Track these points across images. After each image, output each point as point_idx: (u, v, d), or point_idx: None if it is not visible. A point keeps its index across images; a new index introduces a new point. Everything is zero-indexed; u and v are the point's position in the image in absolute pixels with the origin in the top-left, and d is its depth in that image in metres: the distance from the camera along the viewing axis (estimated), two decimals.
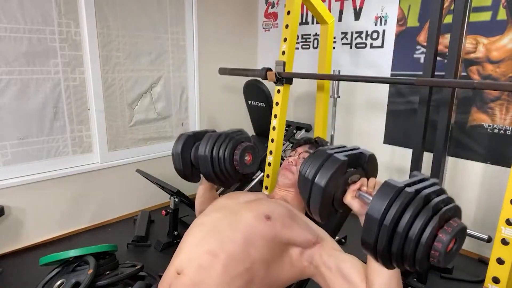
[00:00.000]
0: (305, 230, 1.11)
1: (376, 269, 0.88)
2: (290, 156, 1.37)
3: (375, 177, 1.05)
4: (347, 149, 1.03)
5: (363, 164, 1.02)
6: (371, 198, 0.88)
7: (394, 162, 2.71)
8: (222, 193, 2.42)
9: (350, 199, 0.95)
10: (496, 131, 2.18)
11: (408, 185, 0.81)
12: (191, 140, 1.42)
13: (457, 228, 0.76)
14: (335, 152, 0.98)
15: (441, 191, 0.81)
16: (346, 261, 1.05)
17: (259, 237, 1.04)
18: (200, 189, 1.48)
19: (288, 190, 1.30)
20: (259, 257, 1.02)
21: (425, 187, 0.80)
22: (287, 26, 1.85)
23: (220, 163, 1.31)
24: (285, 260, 1.07)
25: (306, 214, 1.21)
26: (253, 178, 2.97)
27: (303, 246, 1.08)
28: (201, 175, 1.40)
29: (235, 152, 1.33)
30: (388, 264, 0.81)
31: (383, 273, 0.88)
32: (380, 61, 2.67)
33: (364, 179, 0.97)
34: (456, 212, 0.80)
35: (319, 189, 0.94)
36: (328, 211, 0.98)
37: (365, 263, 0.99)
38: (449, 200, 0.80)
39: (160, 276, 1.10)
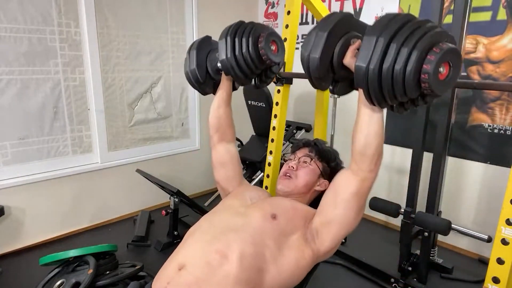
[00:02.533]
0: (303, 211, 1.16)
1: (366, 117, 0.95)
2: (290, 160, 1.35)
3: None
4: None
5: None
6: None
7: (394, 162, 2.71)
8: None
9: (349, 58, 0.95)
10: (496, 131, 2.18)
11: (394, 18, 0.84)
12: (208, 44, 1.33)
13: (446, 48, 0.78)
14: (350, 15, 1.00)
15: (435, 25, 0.83)
16: (325, 197, 1.11)
17: (268, 236, 1.06)
18: (214, 102, 1.36)
19: (289, 196, 1.28)
20: (269, 255, 1.03)
21: (414, 19, 0.84)
22: (287, 26, 1.85)
23: (243, 47, 1.19)
24: (293, 249, 1.07)
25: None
26: (253, 178, 2.97)
27: (304, 226, 1.10)
28: (221, 81, 1.32)
29: (260, 36, 1.22)
30: (378, 94, 0.84)
31: (373, 120, 0.94)
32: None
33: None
34: (450, 38, 0.83)
35: (321, 36, 0.93)
36: (326, 70, 0.97)
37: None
38: (441, 29, 0.82)
39: None
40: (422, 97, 0.87)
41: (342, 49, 0.96)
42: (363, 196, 1.03)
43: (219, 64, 1.28)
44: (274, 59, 1.24)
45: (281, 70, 1.86)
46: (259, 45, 1.21)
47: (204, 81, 1.31)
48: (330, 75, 0.99)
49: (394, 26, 0.81)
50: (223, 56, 1.21)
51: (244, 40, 1.19)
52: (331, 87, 1.04)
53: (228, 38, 1.20)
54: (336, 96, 2.51)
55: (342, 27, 0.95)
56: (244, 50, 1.19)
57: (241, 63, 1.21)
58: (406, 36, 0.80)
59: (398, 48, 0.79)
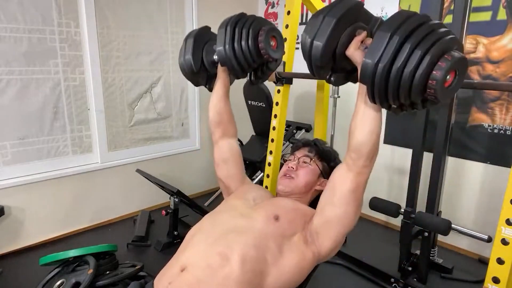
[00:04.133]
0: (304, 212, 1.16)
1: (365, 114, 0.94)
2: (289, 160, 1.34)
3: None
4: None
5: (372, 28, 0.98)
6: None
7: (394, 162, 2.71)
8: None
9: (352, 49, 0.92)
10: (496, 131, 2.18)
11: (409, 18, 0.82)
12: (205, 35, 1.29)
13: (458, 57, 0.76)
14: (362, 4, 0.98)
15: (448, 31, 0.81)
16: (322, 197, 1.11)
17: (270, 239, 1.05)
18: (213, 97, 1.34)
19: (290, 196, 1.28)
20: (271, 258, 1.03)
21: (431, 20, 0.82)
22: (287, 26, 1.85)
23: (242, 39, 1.16)
24: (293, 250, 1.07)
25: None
26: (253, 178, 2.97)
27: (304, 227, 1.10)
28: (218, 74, 1.30)
29: (261, 30, 1.19)
30: (383, 93, 0.82)
31: (371, 118, 0.94)
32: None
33: (367, 35, 0.95)
34: (460, 46, 0.81)
35: (329, 22, 0.89)
36: (328, 59, 0.93)
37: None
38: (449, 32, 0.80)
39: None
40: (423, 101, 0.86)
41: (347, 39, 0.92)
42: (360, 191, 1.03)
43: (215, 57, 1.25)
44: (272, 54, 1.22)
45: (281, 70, 1.86)
46: (258, 39, 1.19)
47: (198, 71, 1.28)
48: (330, 64, 0.96)
49: (410, 26, 0.79)
50: (220, 46, 1.18)
51: (244, 31, 1.17)
52: (327, 77, 1.02)
53: (228, 28, 1.17)
54: (336, 96, 2.52)
55: (352, 16, 0.92)
56: (243, 41, 1.17)
57: (238, 55, 1.18)
58: (421, 38, 0.77)
59: (411, 49, 0.77)
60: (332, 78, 1.01)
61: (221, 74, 1.32)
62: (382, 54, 0.79)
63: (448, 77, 0.78)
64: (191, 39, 1.26)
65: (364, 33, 0.93)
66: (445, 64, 0.76)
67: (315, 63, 0.93)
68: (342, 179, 1.03)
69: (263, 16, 3.54)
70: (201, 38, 1.27)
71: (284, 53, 1.31)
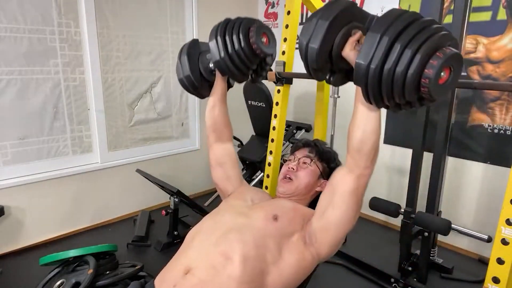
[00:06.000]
0: (303, 212, 1.15)
1: (363, 114, 0.94)
2: (290, 160, 1.34)
3: None
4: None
5: (368, 26, 0.98)
6: None
7: (394, 162, 2.71)
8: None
9: (348, 50, 0.92)
10: (496, 131, 2.18)
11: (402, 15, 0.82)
12: (197, 47, 1.31)
13: (450, 54, 0.75)
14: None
15: (440, 27, 0.80)
16: (321, 199, 1.11)
17: (269, 238, 1.05)
18: (210, 101, 1.36)
19: (290, 198, 1.28)
20: (271, 257, 1.03)
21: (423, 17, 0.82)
22: (287, 26, 1.85)
23: (235, 44, 1.18)
24: (293, 251, 1.07)
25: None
26: (253, 178, 2.97)
27: (303, 227, 1.10)
28: (215, 81, 1.31)
29: (250, 30, 1.21)
30: (377, 93, 0.82)
31: (370, 118, 0.93)
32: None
33: (362, 34, 0.95)
34: (454, 42, 0.80)
35: (322, 25, 0.89)
36: (324, 60, 0.93)
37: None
38: (446, 32, 0.80)
39: None
40: (419, 100, 0.86)
41: (342, 40, 0.93)
42: (360, 193, 1.02)
43: (211, 65, 1.27)
44: (267, 50, 1.24)
45: (281, 70, 1.86)
46: (250, 40, 1.20)
47: (200, 85, 1.31)
48: (328, 66, 0.96)
49: (400, 25, 0.79)
50: (217, 57, 1.20)
51: (234, 37, 1.18)
52: (327, 77, 1.02)
53: (219, 38, 1.19)
54: (336, 96, 2.52)
55: (345, 17, 0.92)
56: (236, 47, 1.18)
57: (235, 61, 1.20)
58: (411, 38, 0.77)
59: (401, 49, 0.77)
60: (331, 79, 1.02)
61: (220, 81, 1.33)
62: (373, 55, 0.80)
63: (442, 73, 0.78)
64: (185, 56, 1.28)
65: (358, 34, 0.93)
66: (437, 62, 0.75)
67: (312, 66, 0.94)
68: (342, 181, 1.03)
69: (263, 16, 3.54)
70: (194, 52, 1.29)
71: (276, 45, 1.32)
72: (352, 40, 0.92)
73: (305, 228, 1.10)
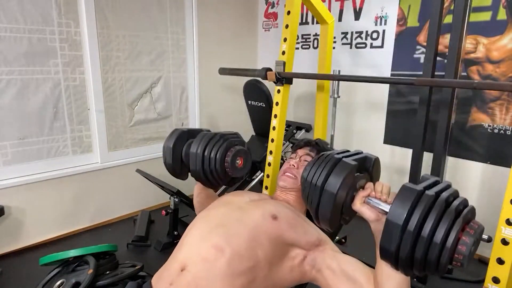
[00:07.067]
0: (308, 232, 1.12)
1: (389, 273, 0.86)
2: (291, 158, 1.35)
3: (378, 179, 1.04)
4: (352, 153, 1.02)
5: (368, 168, 1.01)
6: (381, 203, 0.88)
7: (394, 162, 2.71)
8: (221, 194, 2.42)
9: (359, 205, 0.92)
10: (496, 131, 2.18)
11: (427, 187, 0.79)
12: (184, 136, 1.42)
13: (479, 230, 0.75)
14: (343, 157, 0.96)
15: (456, 193, 0.81)
16: (349, 263, 1.05)
17: (265, 235, 1.05)
18: (196, 188, 1.50)
19: (289, 193, 1.29)
20: (263, 256, 1.02)
21: (442, 190, 0.80)
22: (287, 26, 1.85)
23: (210, 163, 1.32)
24: (287, 263, 1.06)
25: (307, 216, 1.21)
26: (253, 178, 2.97)
27: (306, 249, 1.08)
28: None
29: (228, 154, 1.34)
30: (408, 271, 0.79)
31: (396, 277, 0.86)
32: (380, 61, 2.67)
33: (371, 184, 0.95)
34: (474, 213, 0.80)
35: (330, 195, 0.91)
36: (337, 219, 0.96)
37: (365, 263, 0.99)
38: (466, 201, 0.80)
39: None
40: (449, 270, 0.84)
41: (350, 196, 0.94)
42: None
43: (190, 160, 1.38)
44: (237, 174, 1.39)
45: (281, 70, 1.86)
46: (225, 163, 1.34)
47: (180, 172, 1.45)
48: (339, 219, 0.97)
49: (421, 212, 0.74)
50: (193, 167, 1.35)
51: (212, 155, 1.32)
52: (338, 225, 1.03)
53: (199, 152, 1.32)
54: (336, 96, 2.52)
55: (350, 178, 0.92)
56: (211, 166, 1.33)
57: (208, 175, 1.36)
58: (439, 220, 0.74)
59: (429, 239, 0.73)
60: (344, 222, 1.04)
61: None
62: (399, 244, 0.76)
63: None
64: (170, 146, 1.40)
65: (368, 190, 0.93)
66: (469, 239, 0.73)
67: (325, 227, 0.98)
68: (361, 277, 0.98)
69: (263, 16, 3.54)
70: (180, 143, 1.41)
71: (249, 167, 1.46)
72: (360, 196, 0.93)
73: (311, 253, 1.08)
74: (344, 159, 0.95)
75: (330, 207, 0.91)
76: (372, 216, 0.90)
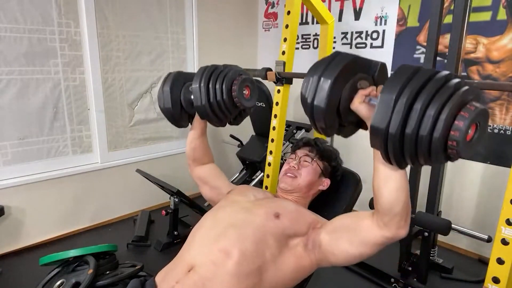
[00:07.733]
0: (308, 216, 1.14)
1: (386, 174, 0.85)
2: (291, 159, 1.35)
3: None
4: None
5: (373, 73, 0.91)
6: None
7: None
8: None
9: (357, 104, 0.86)
10: (496, 131, 2.18)
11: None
12: (181, 78, 1.32)
13: (476, 112, 0.68)
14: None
15: (459, 82, 0.73)
16: (342, 217, 1.08)
17: (270, 235, 1.06)
18: (190, 134, 1.40)
19: (291, 195, 1.29)
20: (270, 254, 1.03)
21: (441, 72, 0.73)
22: (287, 26, 1.85)
23: (217, 95, 1.22)
24: (292, 253, 1.07)
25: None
26: (253, 178, 2.97)
27: (305, 233, 1.09)
28: (195, 116, 1.33)
29: (234, 83, 1.25)
30: (400, 158, 0.75)
31: (392, 177, 0.85)
32: (380, 61, 2.67)
33: (373, 87, 0.88)
34: (478, 96, 0.72)
35: (325, 85, 0.82)
36: (333, 118, 0.87)
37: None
38: (469, 87, 0.72)
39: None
40: (446, 158, 0.77)
41: (349, 94, 0.86)
42: (384, 246, 0.96)
43: (192, 96, 1.28)
44: (246, 104, 1.29)
45: (281, 70, 1.86)
46: (232, 93, 1.24)
47: (180, 117, 1.34)
48: (336, 121, 0.89)
49: (416, 84, 0.71)
50: (198, 103, 1.24)
51: (218, 86, 1.22)
52: (335, 133, 0.95)
53: (202, 85, 1.22)
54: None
55: (349, 71, 0.85)
56: (218, 97, 1.22)
57: (215, 109, 1.25)
58: (431, 97, 0.69)
59: (422, 111, 0.69)
60: (341, 133, 0.96)
61: (199, 121, 1.36)
62: (390, 120, 0.72)
63: (469, 131, 0.71)
64: (168, 88, 1.29)
65: (369, 89, 0.87)
66: (463, 122, 0.68)
67: (320, 126, 0.88)
68: (369, 230, 0.96)
69: (263, 16, 3.54)
70: (177, 84, 1.31)
71: (257, 96, 1.36)
72: (360, 94, 0.86)
73: (310, 234, 1.09)
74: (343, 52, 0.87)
75: (325, 100, 0.83)
76: (367, 113, 0.84)
